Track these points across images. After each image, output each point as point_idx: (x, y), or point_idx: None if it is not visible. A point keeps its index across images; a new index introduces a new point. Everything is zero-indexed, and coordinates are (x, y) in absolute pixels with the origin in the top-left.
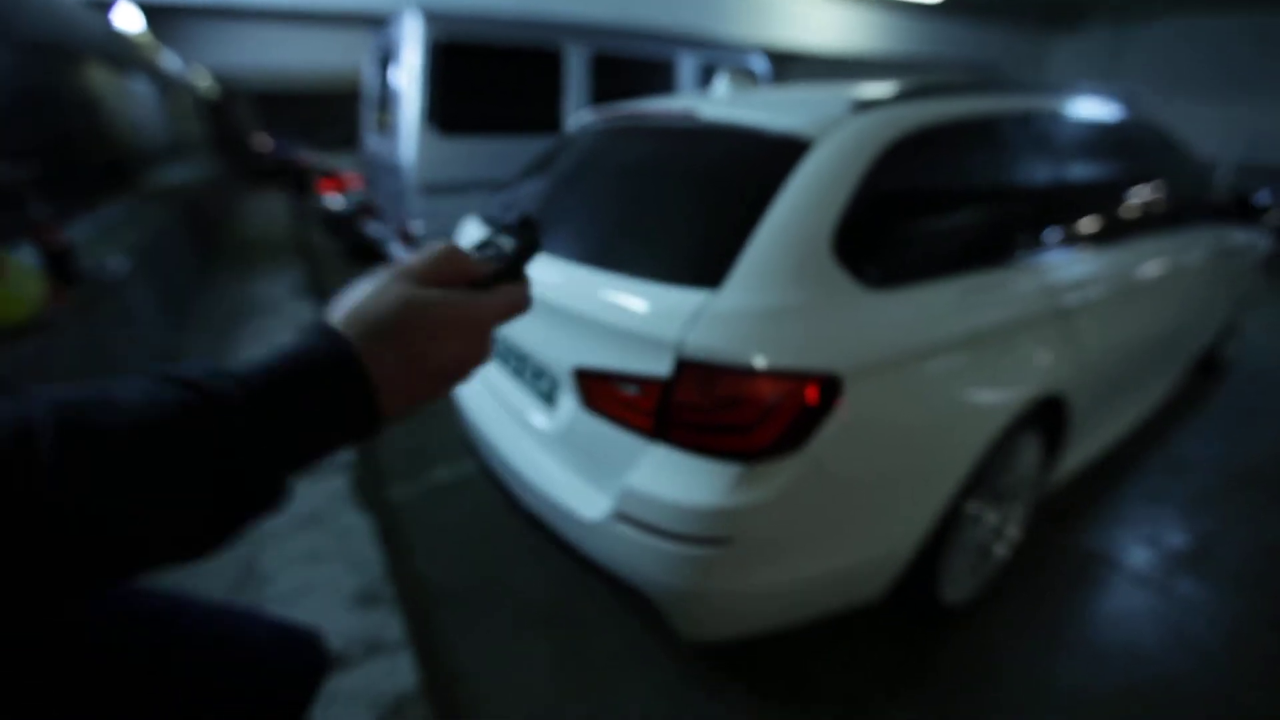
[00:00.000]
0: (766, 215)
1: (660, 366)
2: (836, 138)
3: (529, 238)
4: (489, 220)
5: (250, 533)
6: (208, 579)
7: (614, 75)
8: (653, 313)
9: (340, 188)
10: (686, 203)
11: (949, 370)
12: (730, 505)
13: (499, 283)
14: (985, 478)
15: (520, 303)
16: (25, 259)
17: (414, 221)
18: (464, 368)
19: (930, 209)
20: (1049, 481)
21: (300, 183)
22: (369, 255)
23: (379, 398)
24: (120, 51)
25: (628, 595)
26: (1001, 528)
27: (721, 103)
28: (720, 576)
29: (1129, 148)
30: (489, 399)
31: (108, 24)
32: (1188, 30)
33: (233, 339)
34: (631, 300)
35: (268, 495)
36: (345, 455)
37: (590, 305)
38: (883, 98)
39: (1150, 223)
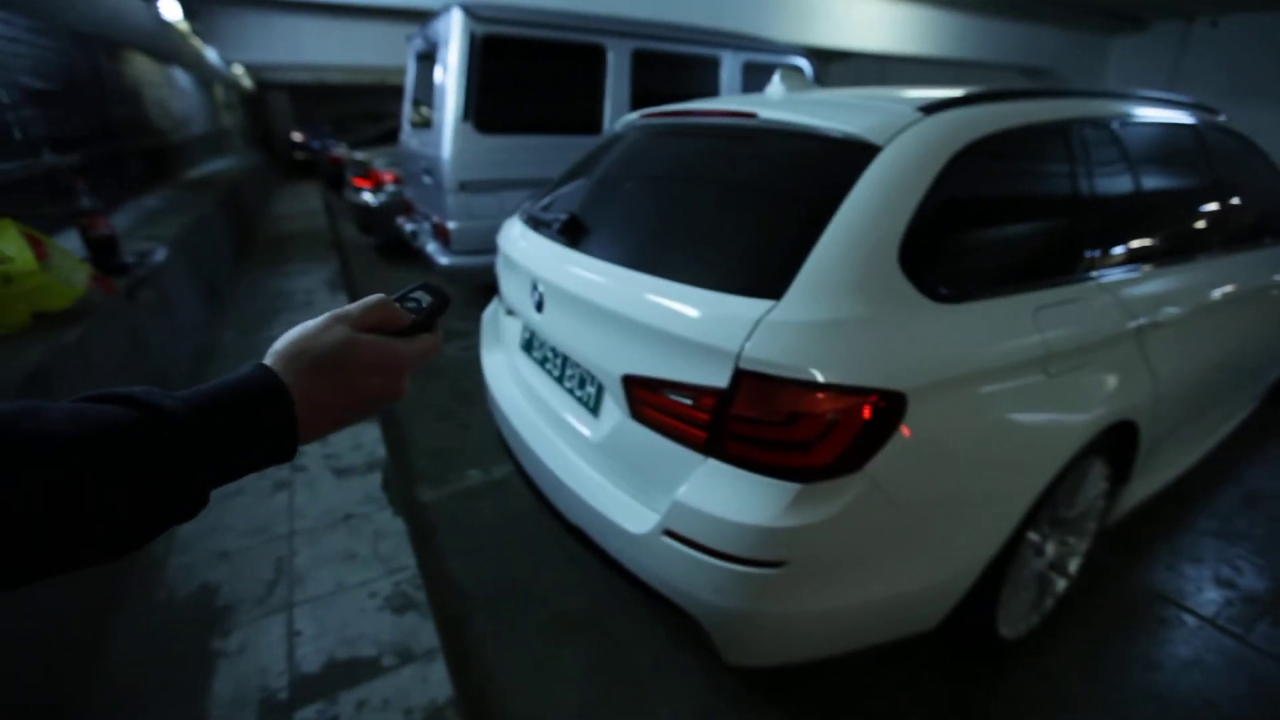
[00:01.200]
0: (830, 222)
1: (717, 377)
2: (904, 142)
3: (442, 297)
4: (533, 221)
5: (285, 532)
6: (241, 579)
7: (656, 73)
8: (710, 321)
9: (373, 183)
10: (745, 207)
11: (1018, 391)
12: (786, 526)
13: (417, 331)
14: (1050, 505)
15: (432, 350)
16: (69, 247)
17: (450, 220)
18: (381, 401)
19: (1000, 219)
20: (1113, 512)
21: (333, 177)
22: (401, 251)
23: (301, 424)
24: (163, 42)
25: (670, 613)
26: (1063, 559)
27: (780, 104)
28: (771, 600)
29: (1209, 158)
30: (528, 402)
31: (151, 14)
32: (1262, 27)
33: (266, 334)
34: (688, 307)
35: (185, 504)
36: (377, 456)
37: (642, 311)
38: (950, 100)
39: (1231, 239)
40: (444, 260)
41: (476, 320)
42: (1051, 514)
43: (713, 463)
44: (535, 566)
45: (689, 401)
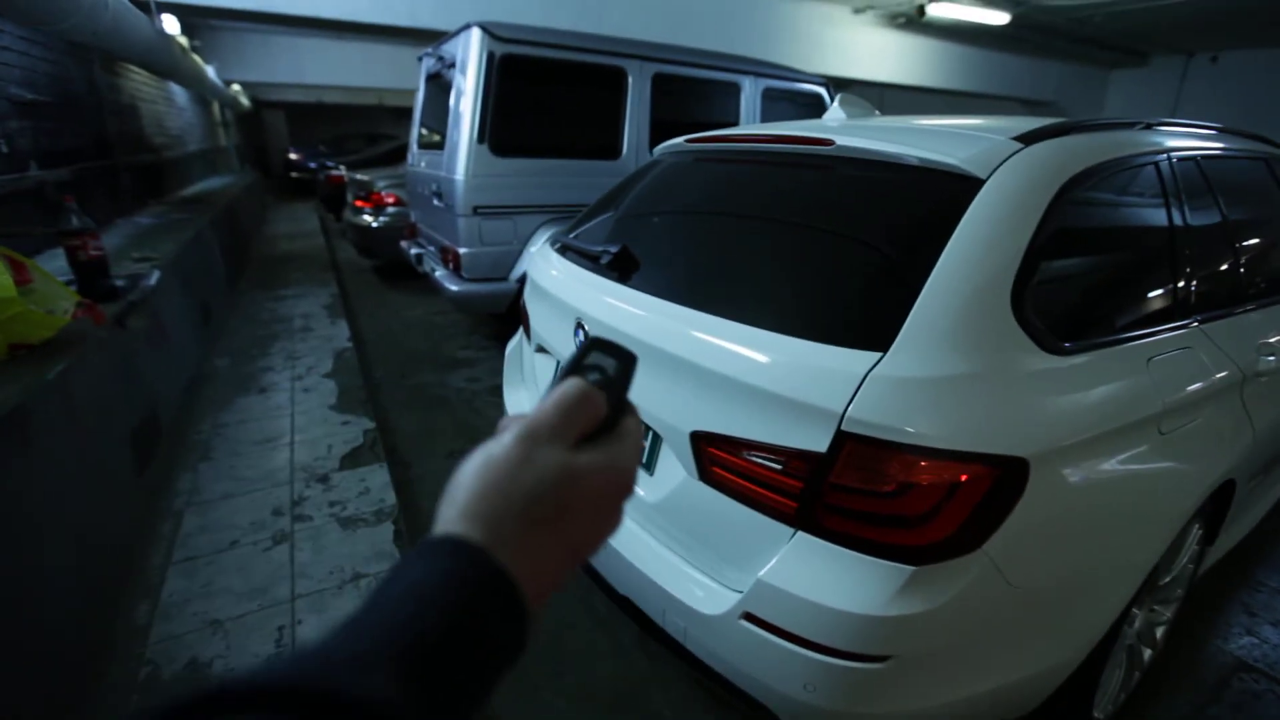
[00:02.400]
0: (936, 264)
1: (814, 439)
2: (1008, 174)
3: (625, 356)
4: (573, 251)
5: (286, 596)
6: (237, 654)
7: (677, 97)
8: (805, 375)
9: (374, 205)
10: (833, 246)
11: (1135, 453)
12: (895, 615)
13: (618, 416)
14: (1154, 577)
15: (641, 445)
16: (55, 268)
17: (462, 245)
18: (604, 539)
19: (1106, 259)
20: (1199, 574)
21: (330, 197)
22: (400, 273)
23: (529, 605)
24: (162, 56)
25: (739, 702)
26: (1151, 628)
27: (854, 130)
28: (869, 698)
29: None
30: None
31: (152, 27)
32: (1263, 61)
33: (262, 363)
34: (775, 358)
35: None
36: (387, 503)
37: (719, 360)
38: (1047, 130)
39: None
40: (454, 287)
41: (483, 349)
42: (1151, 583)
43: (804, 537)
44: (562, 630)
45: (777, 466)
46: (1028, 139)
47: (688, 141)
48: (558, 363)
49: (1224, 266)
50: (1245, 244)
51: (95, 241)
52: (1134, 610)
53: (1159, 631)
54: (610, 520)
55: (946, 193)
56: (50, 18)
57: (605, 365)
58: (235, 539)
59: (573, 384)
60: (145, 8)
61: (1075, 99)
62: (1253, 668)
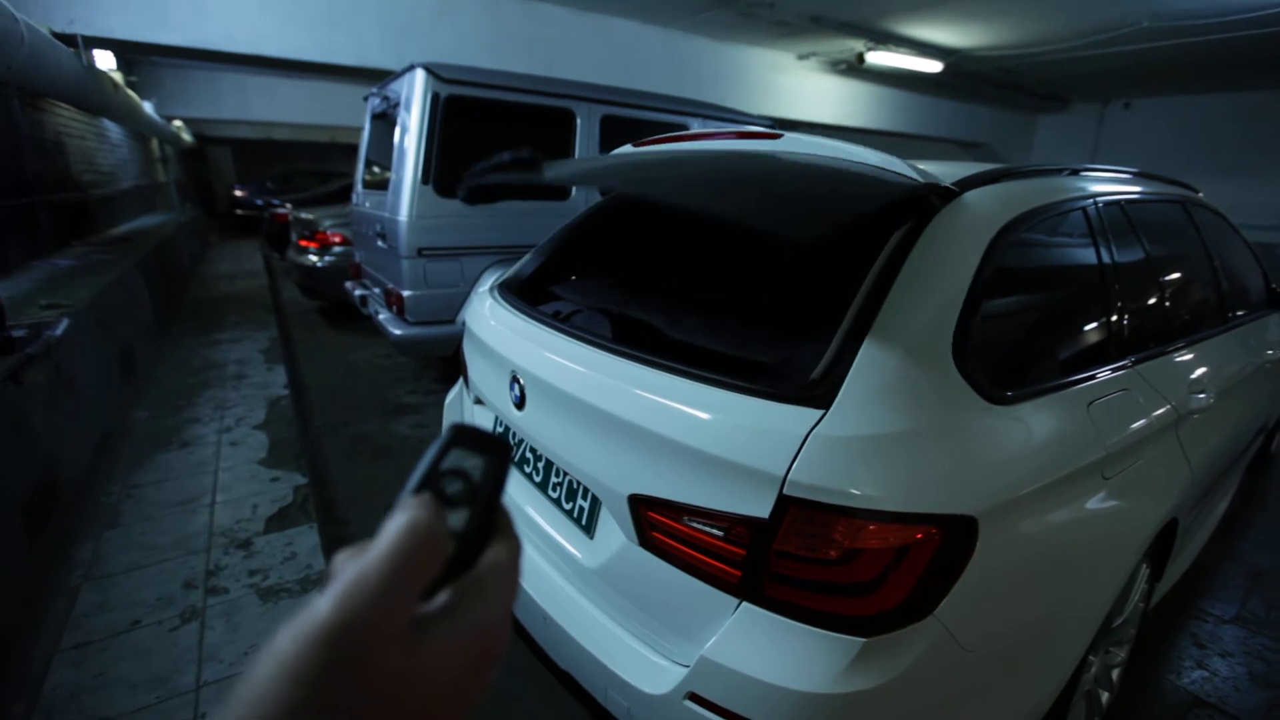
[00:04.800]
0: (879, 311)
1: (756, 505)
2: (947, 220)
3: (498, 454)
4: (510, 297)
5: (191, 685)
6: None
7: (627, 139)
8: (745, 435)
9: (320, 244)
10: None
11: (1081, 500)
12: (845, 692)
13: (479, 542)
14: (1107, 621)
15: (515, 582)
16: None
17: (405, 288)
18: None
19: (1044, 305)
20: (1147, 612)
21: (275, 235)
22: (345, 314)
23: None
24: (90, 93)
25: None
26: (1106, 671)
27: (805, 141)
28: None
29: (1200, 233)
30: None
31: (77, 63)
32: (1170, 108)
33: (188, 414)
34: (714, 415)
35: None
36: (315, 569)
37: (656, 418)
38: (981, 176)
39: (1229, 313)
40: (397, 331)
41: (429, 393)
42: (1105, 627)
43: (750, 608)
44: (509, 703)
45: (719, 532)
46: (962, 186)
47: (635, 145)
48: (495, 418)
49: (1153, 307)
50: (1171, 284)
51: None
52: (1090, 657)
53: (1114, 673)
54: (472, 697)
55: (891, 224)
56: None
57: (470, 468)
58: (137, 618)
59: (410, 520)
60: (72, 42)
61: (1006, 140)
62: (1205, 703)
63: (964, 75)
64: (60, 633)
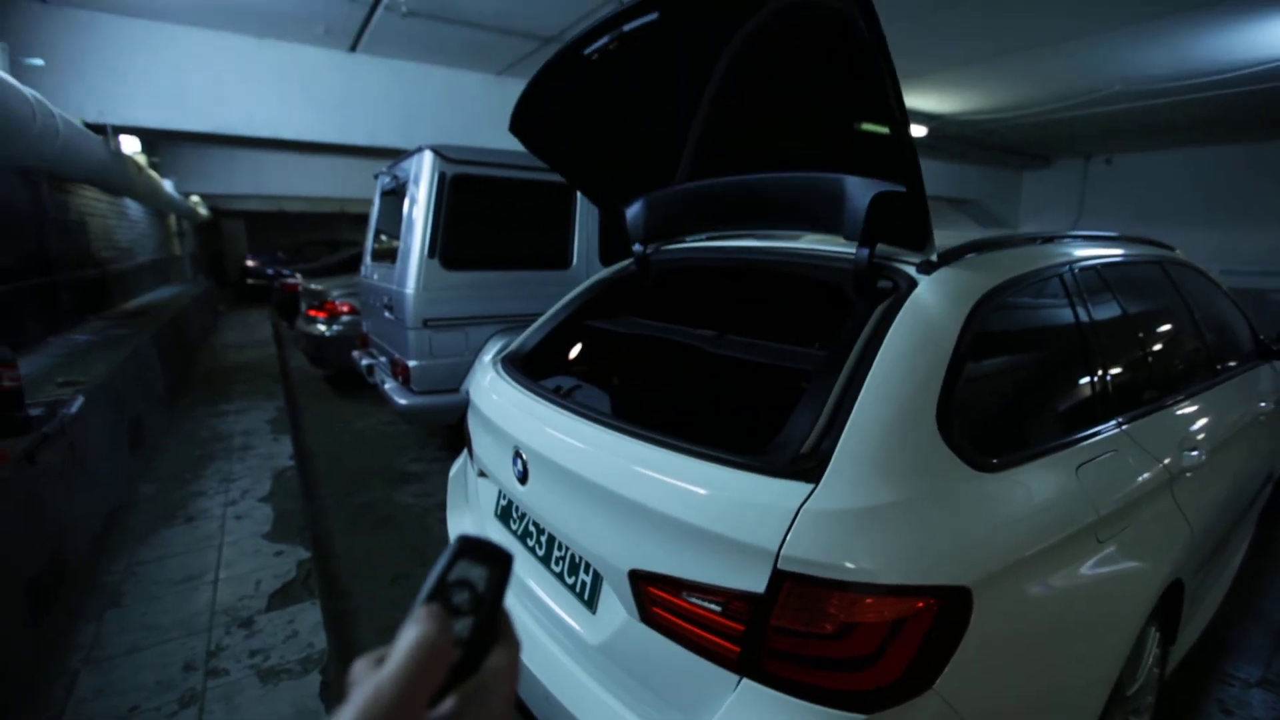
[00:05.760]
0: (864, 386)
1: (751, 580)
2: (928, 292)
3: (499, 563)
4: (513, 371)
5: None
6: None
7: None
8: (739, 510)
9: (328, 314)
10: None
11: (1076, 564)
12: None
13: (483, 648)
14: (1119, 686)
15: (512, 688)
16: None
17: (411, 358)
18: None
19: (1026, 371)
20: (1164, 677)
21: (284, 304)
22: (352, 382)
23: None
24: (116, 176)
25: None
26: None
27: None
28: None
29: (1179, 291)
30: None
31: (106, 150)
32: (1149, 162)
33: (194, 487)
34: (709, 491)
35: None
36: (316, 648)
37: (653, 495)
38: (959, 249)
39: (1216, 368)
40: (402, 400)
41: (434, 460)
42: (1118, 695)
43: (750, 684)
44: None
45: (717, 608)
46: (945, 258)
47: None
48: (499, 491)
49: (1137, 367)
50: (1152, 343)
51: (11, 372)
52: None
53: None
54: None
55: (871, 306)
56: None
57: (475, 578)
58: (136, 703)
59: (419, 634)
60: (101, 130)
61: (994, 197)
62: None
63: (949, 138)
64: (57, 719)
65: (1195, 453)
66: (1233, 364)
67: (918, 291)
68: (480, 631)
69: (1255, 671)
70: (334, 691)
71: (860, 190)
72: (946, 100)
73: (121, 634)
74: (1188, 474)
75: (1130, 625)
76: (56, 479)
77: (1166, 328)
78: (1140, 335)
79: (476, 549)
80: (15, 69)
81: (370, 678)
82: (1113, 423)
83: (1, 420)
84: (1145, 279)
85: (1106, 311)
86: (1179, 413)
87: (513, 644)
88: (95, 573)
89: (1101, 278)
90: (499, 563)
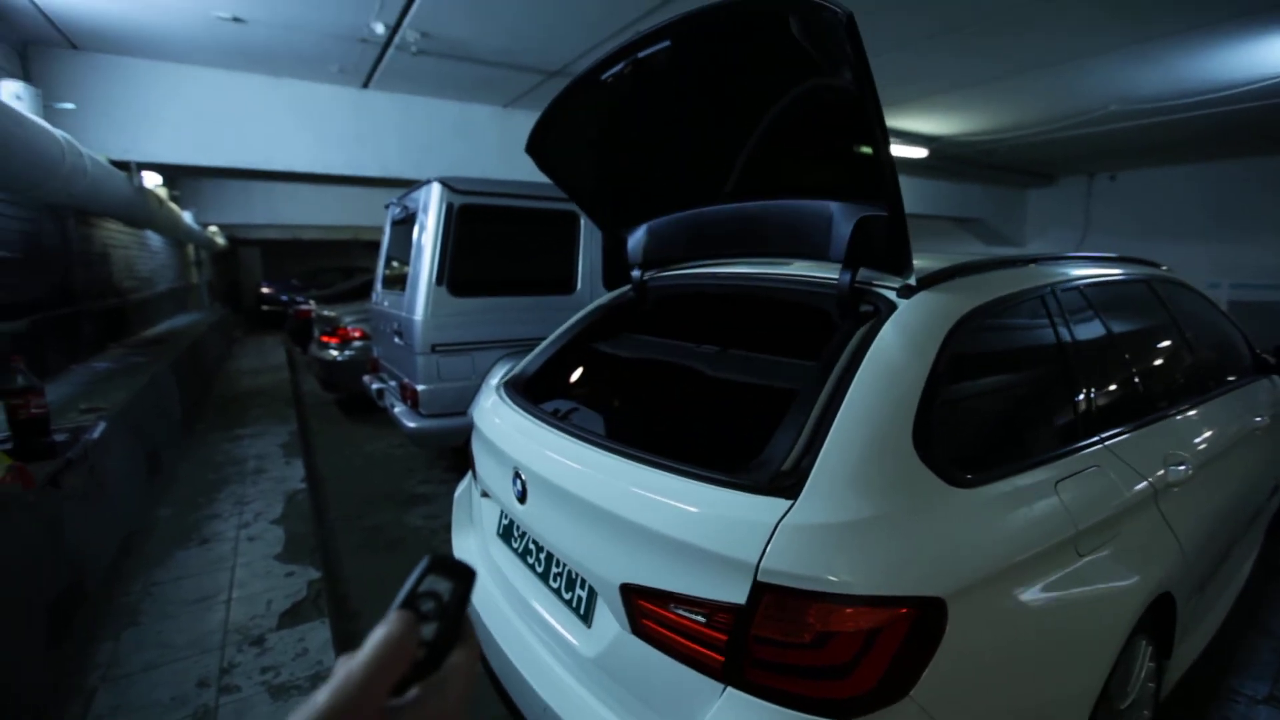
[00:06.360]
0: (841, 406)
1: (733, 591)
2: (906, 315)
3: (463, 577)
4: (513, 395)
5: None
6: None
7: None
8: (721, 525)
9: (340, 339)
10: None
11: (1056, 578)
12: None
13: (444, 649)
14: (1106, 699)
15: (474, 671)
16: None
17: (419, 382)
18: None
19: (1004, 391)
20: (1162, 692)
21: (298, 330)
22: (362, 407)
23: None
24: (139, 210)
25: None
26: None
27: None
28: None
29: (1168, 308)
30: (504, 599)
31: (130, 185)
32: (1154, 178)
33: (208, 510)
34: (693, 507)
35: None
36: (325, 665)
37: (641, 511)
38: (938, 274)
39: (1207, 383)
40: (411, 424)
41: (442, 482)
42: (1107, 708)
43: (734, 693)
44: None
45: (701, 619)
46: (925, 282)
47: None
48: (501, 511)
49: (1120, 386)
50: (1137, 361)
51: (38, 399)
52: None
53: None
54: None
55: (848, 337)
56: (27, 185)
57: (440, 590)
58: None
59: (385, 633)
60: (125, 166)
61: (999, 215)
62: None
63: (949, 158)
64: None
65: (1182, 467)
66: (1229, 379)
67: (896, 315)
68: (443, 635)
69: (1262, 688)
70: None
71: (844, 216)
72: (945, 122)
73: (138, 652)
74: (1174, 488)
75: (1114, 637)
76: (78, 503)
77: (1152, 345)
78: (1124, 353)
79: (444, 565)
80: (48, 113)
81: (344, 667)
82: (1094, 439)
83: (29, 446)
84: (1131, 297)
85: (1089, 331)
86: (1165, 427)
87: (473, 646)
88: (113, 593)
89: (1085, 298)
90: (463, 577)
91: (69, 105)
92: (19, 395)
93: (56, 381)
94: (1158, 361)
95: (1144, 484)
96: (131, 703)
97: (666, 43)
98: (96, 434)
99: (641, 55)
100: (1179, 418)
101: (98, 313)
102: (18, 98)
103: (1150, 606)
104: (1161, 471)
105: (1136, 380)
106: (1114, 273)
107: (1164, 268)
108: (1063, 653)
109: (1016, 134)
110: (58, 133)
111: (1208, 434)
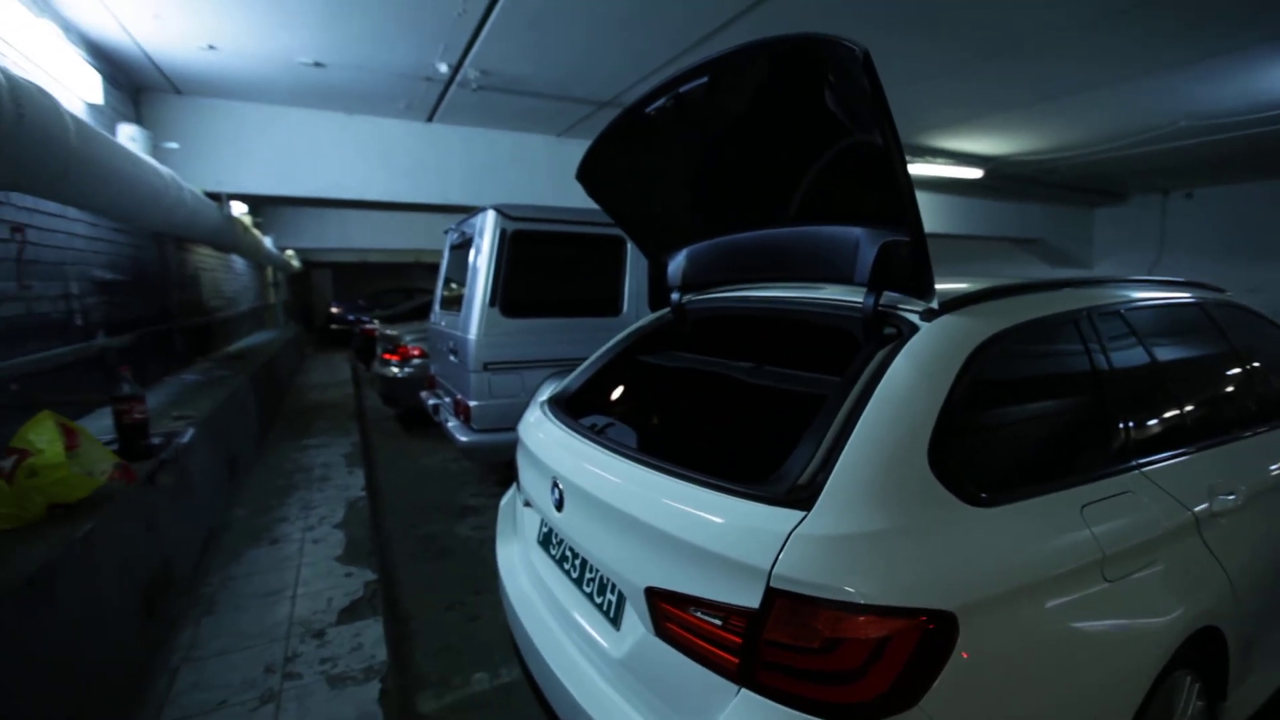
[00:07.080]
0: (857, 423)
1: (748, 596)
2: (923, 340)
3: None
4: (555, 410)
5: None
6: None
7: None
8: (738, 533)
9: (400, 357)
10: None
11: (1079, 602)
12: None
13: None
14: None
15: None
16: (98, 431)
17: (472, 398)
18: None
19: (1027, 414)
20: None
21: (362, 348)
22: (420, 421)
23: None
24: (227, 236)
25: None
26: None
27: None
28: None
29: (1225, 334)
30: (543, 603)
31: (219, 214)
32: (1235, 195)
33: (278, 513)
34: (713, 516)
35: None
36: (377, 660)
37: (665, 518)
38: (965, 298)
39: (1268, 411)
40: (464, 438)
41: (491, 495)
42: None
43: (747, 694)
44: None
45: (718, 622)
46: (948, 306)
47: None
48: (541, 519)
49: (1160, 412)
50: (1182, 389)
51: (141, 405)
52: None
53: None
54: None
55: (870, 358)
56: (139, 216)
57: None
58: (224, 698)
59: None
60: (217, 197)
61: (1062, 235)
62: None
63: (1006, 178)
64: (160, 707)
65: (1231, 496)
66: None
67: (917, 337)
68: None
69: None
70: (391, 699)
71: (869, 241)
72: (1001, 142)
73: (214, 639)
74: (1220, 518)
75: (1145, 667)
76: (170, 500)
77: (1200, 372)
78: (1166, 379)
79: None
80: (156, 151)
81: None
82: (1129, 465)
83: (131, 446)
84: (1181, 322)
85: (1127, 356)
86: (1212, 456)
87: None
88: (196, 585)
89: (1126, 322)
90: None
91: (174, 145)
92: (125, 401)
93: (153, 390)
94: (1206, 389)
95: (1185, 513)
96: (208, 682)
97: (705, 79)
98: (186, 439)
99: (683, 90)
100: (1231, 447)
101: (189, 329)
102: (132, 139)
103: (1193, 640)
104: (1205, 501)
105: (1180, 407)
106: (1159, 296)
107: (1226, 293)
108: (1085, 678)
109: (1078, 152)
110: (164, 169)
111: (1265, 465)
